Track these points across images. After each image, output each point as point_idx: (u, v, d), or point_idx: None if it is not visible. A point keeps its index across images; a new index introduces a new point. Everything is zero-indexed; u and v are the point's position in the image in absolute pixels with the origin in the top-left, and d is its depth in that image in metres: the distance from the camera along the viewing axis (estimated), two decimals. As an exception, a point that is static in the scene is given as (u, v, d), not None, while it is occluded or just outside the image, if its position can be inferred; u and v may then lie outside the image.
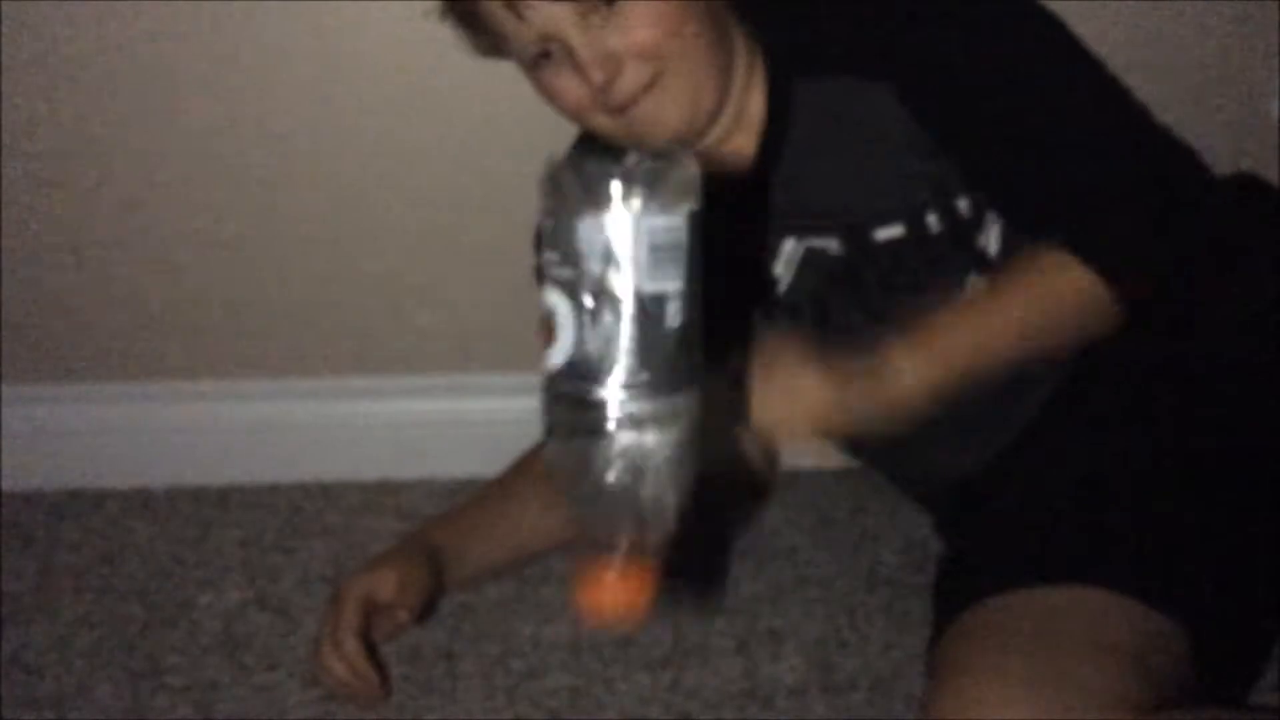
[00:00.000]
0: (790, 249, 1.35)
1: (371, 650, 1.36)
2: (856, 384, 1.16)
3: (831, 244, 1.33)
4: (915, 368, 1.18)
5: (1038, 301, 1.23)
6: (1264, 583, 1.20)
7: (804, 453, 1.68)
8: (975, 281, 1.32)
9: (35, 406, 1.74)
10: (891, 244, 1.31)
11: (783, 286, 1.37)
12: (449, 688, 1.41)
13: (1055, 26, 1.30)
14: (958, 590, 1.21)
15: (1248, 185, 1.47)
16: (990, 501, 1.27)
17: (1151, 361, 1.29)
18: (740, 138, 1.34)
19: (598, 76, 1.23)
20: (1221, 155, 1.62)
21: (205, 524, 1.68)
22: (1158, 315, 1.25)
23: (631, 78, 1.24)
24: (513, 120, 1.62)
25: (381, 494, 1.74)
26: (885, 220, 1.31)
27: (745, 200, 1.36)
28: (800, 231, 1.34)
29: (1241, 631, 1.20)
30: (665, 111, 1.26)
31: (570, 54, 1.23)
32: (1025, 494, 1.26)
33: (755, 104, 1.33)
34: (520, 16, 1.23)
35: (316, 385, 1.77)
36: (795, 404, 1.15)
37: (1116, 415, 1.27)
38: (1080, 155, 1.25)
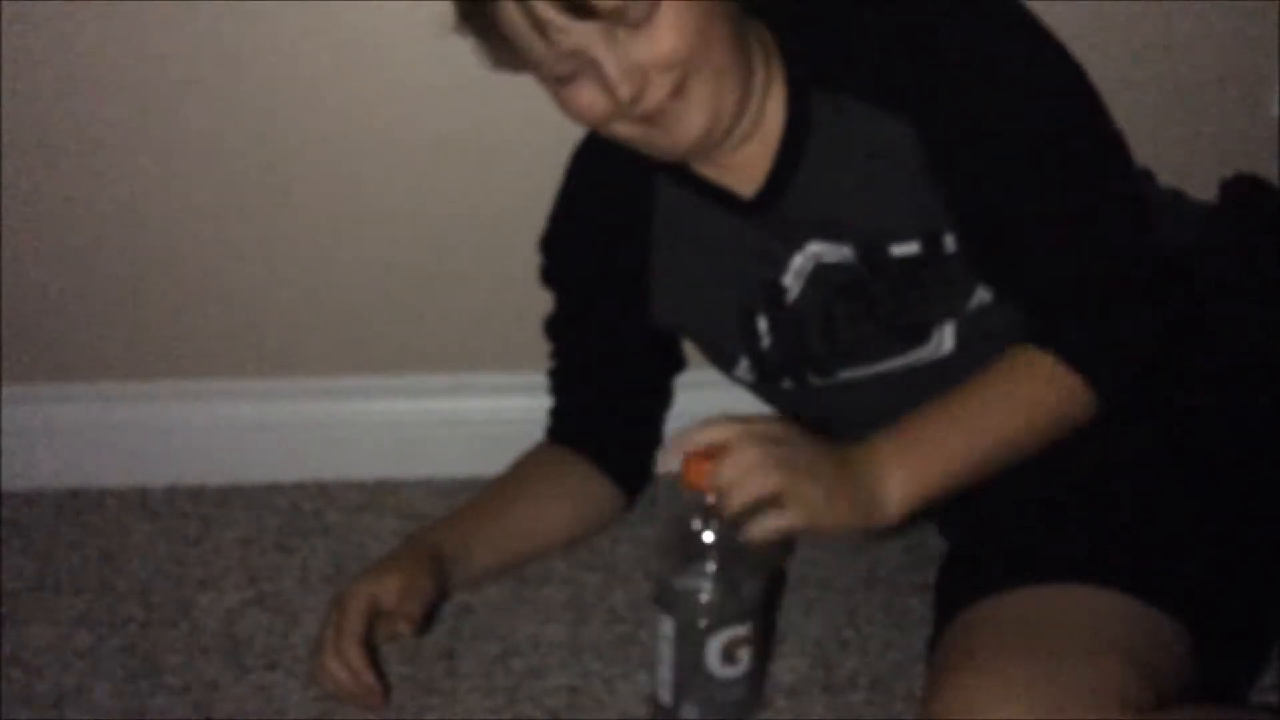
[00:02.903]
0: (799, 263, 1.35)
1: (372, 653, 1.36)
2: (853, 505, 1.20)
3: (845, 253, 1.33)
4: (903, 481, 1.22)
5: (1023, 409, 1.25)
6: (1264, 583, 1.20)
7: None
8: (982, 295, 1.31)
9: (35, 406, 1.74)
10: (907, 260, 1.31)
11: (790, 297, 1.37)
12: (449, 688, 1.40)
13: (1080, 85, 1.29)
14: (958, 589, 1.21)
15: (1248, 185, 1.47)
16: (991, 501, 1.27)
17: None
18: (756, 145, 1.34)
19: (625, 92, 1.22)
20: (1222, 155, 1.62)
21: (205, 523, 1.68)
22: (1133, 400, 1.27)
23: (658, 88, 1.23)
24: (514, 120, 1.62)
25: (381, 494, 1.74)
26: (901, 237, 1.31)
27: (757, 209, 1.35)
28: (813, 239, 1.34)
29: (1241, 631, 1.20)
30: (688, 118, 1.26)
31: (596, 69, 1.23)
32: (1025, 493, 1.25)
33: (773, 111, 1.33)
34: (547, 38, 1.22)
35: (316, 385, 1.77)
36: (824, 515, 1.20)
37: (1117, 414, 1.26)
38: (1069, 240, 1.26)
